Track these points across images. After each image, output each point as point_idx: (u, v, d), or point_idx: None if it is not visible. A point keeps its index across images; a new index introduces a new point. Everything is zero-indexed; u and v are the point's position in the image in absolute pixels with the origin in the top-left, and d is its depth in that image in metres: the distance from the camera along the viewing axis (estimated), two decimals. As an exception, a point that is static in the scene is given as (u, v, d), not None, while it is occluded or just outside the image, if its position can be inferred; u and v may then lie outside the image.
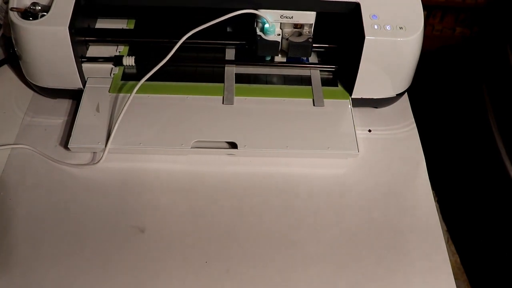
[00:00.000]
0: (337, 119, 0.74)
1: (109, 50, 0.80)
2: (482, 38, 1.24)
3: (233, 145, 0.71)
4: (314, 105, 0.75)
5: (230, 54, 0.81)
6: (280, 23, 0.75)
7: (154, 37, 0.79)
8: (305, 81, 0.78)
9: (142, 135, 0.71)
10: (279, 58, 0.80)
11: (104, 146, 0.70)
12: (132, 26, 0.83)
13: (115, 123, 0.70)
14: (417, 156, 0.75)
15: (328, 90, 0.77)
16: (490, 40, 1.21)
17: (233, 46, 0.81)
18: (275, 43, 0.76)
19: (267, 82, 0.78)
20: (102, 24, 0.83)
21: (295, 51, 0.77)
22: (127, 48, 0.81)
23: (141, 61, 0.78)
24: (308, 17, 0.75)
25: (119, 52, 0.80)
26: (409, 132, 0.78)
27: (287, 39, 0.76)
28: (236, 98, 0.75)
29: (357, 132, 0.73)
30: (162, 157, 0.72)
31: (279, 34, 0.76)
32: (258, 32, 0.76)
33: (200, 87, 0.76)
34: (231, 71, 0.78)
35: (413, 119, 0.79)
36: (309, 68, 0.80)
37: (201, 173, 0.71)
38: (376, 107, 0.80)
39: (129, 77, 0.77)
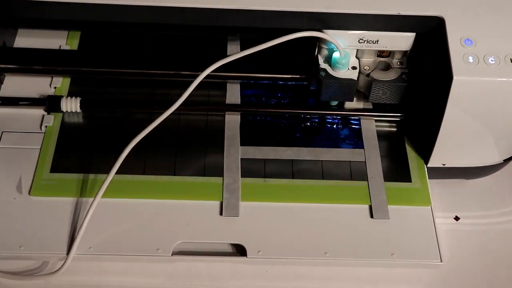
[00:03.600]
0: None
1: (39, 85, 0.78)
2: None
3: (240, 250, 0.69)
4: (372, 217, 0.72)
5: (233, 93, 0.79)
6: (357, 50, 0.74)
7: (114, 64, 0.78)
8: (357, 169, 0.75)
9: (96, 237, 0.69)
10: (352, 104, 0.78)
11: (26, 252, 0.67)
12: (75, 45, 0.82)
13: (81, 226, 0.68)
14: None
15: (395, 188, 0.74)
16: None
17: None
18: (350, 83, 0.74)
19: (293, 172, 0.74)
20: (26, 39, 0.81)
21: (381, 94, 0.75)
22: (67, 81, 0.79)
23: (92, 104, 0.77)
24: (401, 41, 0.73)
25: (55, 88, 0.78)
26: (522, 220, 0.76)
27: (367, 74, 0.75)
28: (242, 205, 0.72)
29: (437, 222, 0.71)
30: (132, 267, 0.70)
31: (355, 67, 0.75)
32: (322, 65, 0.74)
33: (185, 185, 0.73)
34: (232, 139, 0.76)
35: (528, 198, 0.78)
36: (358, 117, 0.78)
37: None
38: (468, 179, 0.78)
39: (69, 136, 0.75)
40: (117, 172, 0.70)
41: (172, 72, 0.77)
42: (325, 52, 0.75)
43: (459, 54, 0.68)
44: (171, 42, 0.83)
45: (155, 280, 0.70)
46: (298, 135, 0.77)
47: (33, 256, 0.69)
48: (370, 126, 0.78)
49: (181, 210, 0.71)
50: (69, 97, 0.76)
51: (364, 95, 0.78)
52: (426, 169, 0.75)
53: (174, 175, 0.73)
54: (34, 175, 0.72)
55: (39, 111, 0.76)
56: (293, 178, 0.74)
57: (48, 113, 0.76)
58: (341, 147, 0.76)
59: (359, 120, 0.78)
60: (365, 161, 0.75)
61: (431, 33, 0.71)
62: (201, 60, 0.74)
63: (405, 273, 0.71)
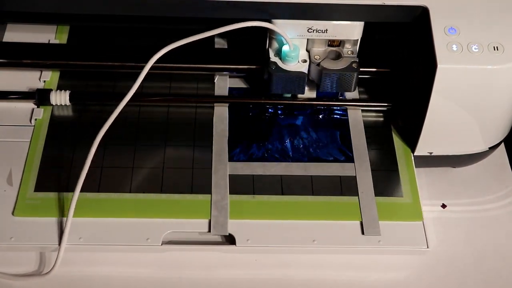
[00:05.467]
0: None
1: (29, 79, 0.79)
2: None
3: (228, 239, 0.70)
4: (363, 233, 0.71)
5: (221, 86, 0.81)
6: (308, 39, 0.75)
7: (103, 57, 0.79)
8: (347, 183, 0.74)
9: (86, 228, 0.69)
10: (305, 94, 0.79)
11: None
12: (64, 38, 0.83)
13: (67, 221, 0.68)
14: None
15: (387, 203, 0.73)
16: None
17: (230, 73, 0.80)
18: (300, 76, 0.75)
19: (282, 188, 0.73)
20: (15, 34, 0.82)
21: (331, 83, 0.75)
22: (56, 74, 0.80)
23: (81, 97, 0.78)
24: (350, 30, 0.73)
25: (44, 81, 0.79)
26: (509, 208, 0.77)
27: (318, 64, 0.75)
28: (231, 223, 0.70)
29: (424, 209, 0.72)
30: (121, 256, 0.71)
31: (306, 60, 0.75)
32: (273, 58, 0.75)
33: (173, 203, 0.72)
34: (221, 153, 0.75)
35: (514, 185, 0.79)
36: (345, 108, 0.79)
37: (178, 282, 0.70)
38: (454, 167, 0.79)
39: (58, 129, 0.76)
40: (103, 191, 0.71)
41: (166, 65, 0.77)
42: (275, 45, 0.75)
43: (443, 42, 0.69)
44: (162, 35, 0.82)
45: (145, 270, 0.70)
46: (285, 132, 0.78)
47: (24, 247, 0.69)
48: (356, 117, 0.79)
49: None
50: (58, 91, 0.77)
51: (317, 86, 0.78)
52: (417, 183, 0.74)
53: (161, 192, 0.72)
54: (18, 194, 0.71)
55: (29, 105, 0.77)
56: (282, 194, 0.73)
57: (38, 107, 0.77)
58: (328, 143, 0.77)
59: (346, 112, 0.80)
60: (356, 176, 0.75)
61: (415, 22, 0.72)
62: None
63: (392, 260, 0.72)
